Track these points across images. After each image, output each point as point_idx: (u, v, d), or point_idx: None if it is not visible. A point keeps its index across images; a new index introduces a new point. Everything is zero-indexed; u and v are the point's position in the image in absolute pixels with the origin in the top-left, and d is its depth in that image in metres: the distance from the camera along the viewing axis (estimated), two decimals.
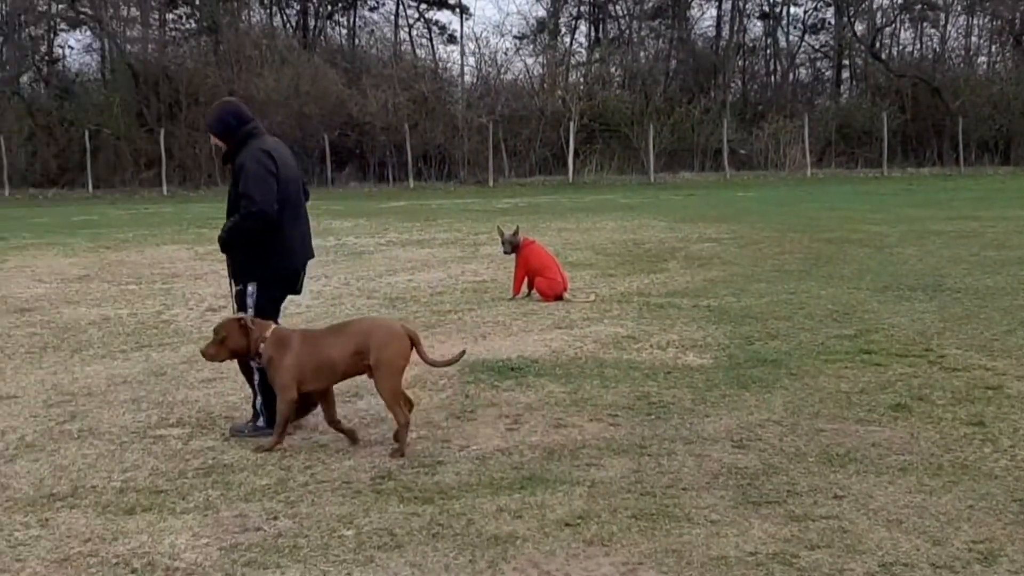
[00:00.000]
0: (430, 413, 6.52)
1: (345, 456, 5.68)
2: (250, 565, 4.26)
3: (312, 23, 51.25)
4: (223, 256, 6.49)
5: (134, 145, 41.50)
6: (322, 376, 5.81)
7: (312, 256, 6.67)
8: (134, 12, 47.31)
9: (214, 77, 41.87)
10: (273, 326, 5.97)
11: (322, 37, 50.89)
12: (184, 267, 14.62)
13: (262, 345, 5.85)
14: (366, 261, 14.92)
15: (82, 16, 47.38)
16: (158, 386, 7.46)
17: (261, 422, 6.23)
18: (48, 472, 5.54)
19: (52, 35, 48.88)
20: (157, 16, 47.84)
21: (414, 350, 5.85)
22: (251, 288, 6.27)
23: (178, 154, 40.47)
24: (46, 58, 48.44)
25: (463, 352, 6.23)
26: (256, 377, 6.24)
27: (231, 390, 7.25)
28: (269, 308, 6.31)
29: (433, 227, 20.53)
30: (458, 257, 15.13)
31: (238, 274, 6.35)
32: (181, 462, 5.67)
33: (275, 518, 4.77)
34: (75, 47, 62.75)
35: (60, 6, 47.60)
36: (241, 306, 6.27)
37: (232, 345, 5.92)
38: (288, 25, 51.03)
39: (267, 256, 6.22)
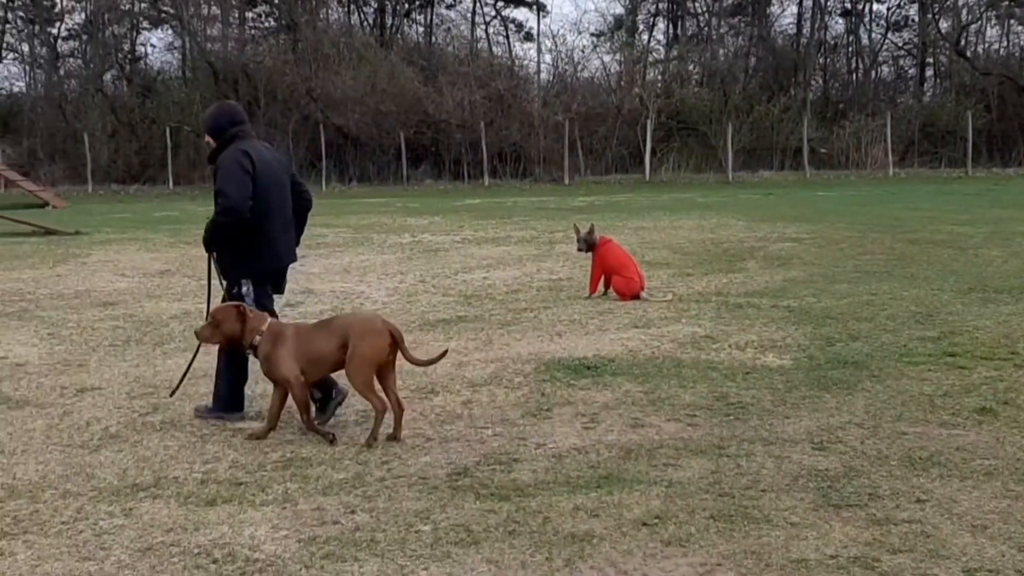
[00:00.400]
0: (506, 411, 6.52)
1: (421, 452, 5.70)
2: (328, 558, 4.29)
3: (389, 21, 51.61)
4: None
5: None
6: (315, 369, 6.03)
7: (295, 260, 6.81)
8: (214, 11, 48.03)
9: (292, 75, 42.33)
10: (269, 320, 6.16)
11: (399, 35, 51.21)
12: None
13: (257, 338, 6.05)
14: (441, 258, 14.98)
15: (163, 15, 48.31)
16: None
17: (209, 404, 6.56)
18: (132, 463, 5.64)
19: (135, 34, 49.90)
20: (237, 14, 48.56)
21: (397, 349, 6.00)
22: (247, 288, 6.44)
23: None
24: (128, 56, 49.40)
25: (445, 352, 6.39)
26: (219, 365, 6.51)
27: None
28: (266, 305, 6.49)
29: (508, 225, 20.55)
30: (534, 255, 15.13)
31: (231, 275, 6.48)
32: (260, 455, 5.73)
33: (352, 512, 4.80)
34: (157, 45, 64.42)
35: (142, 5, 48.64)
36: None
37: (226, 330, 6.09)
38: (365, 23, 51.43)
39: (256, 254, 6.39)
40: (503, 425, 6.20)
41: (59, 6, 49.21)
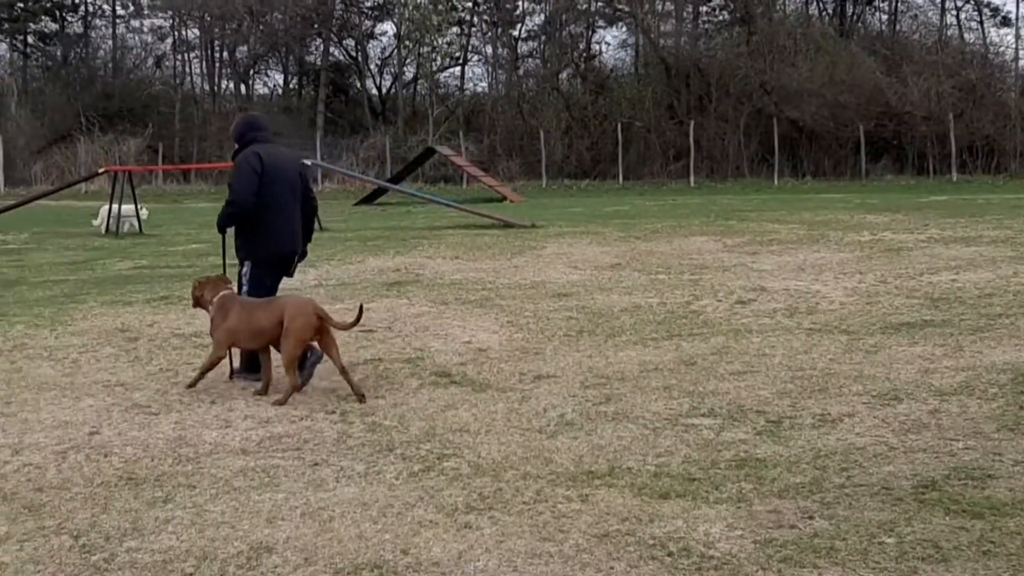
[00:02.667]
0: (978, 422, 6.02)
1: (884, 461, 5.37)
2: (785, 562, 4.13)
3: (850, 10, 49.98)
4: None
5: (663, 137, 42.77)
6: (255, 339, 7.02)
7: (298, 249, 7.85)
8: (668, 7, 48.67)
9: (745, 68, 42.11)
10: (222, 292, 7.19)
11: (860, 24, 49.46)
12: (712, 259, 14.72)
13: (210, 307, 7.16)
14: (904, 258, 14.19)
15: (619, 13, 49.59)
16: (688, 375, 7.50)
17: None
18: (586, 450, 5.75)
19: (590, 32, 51.55)
20: (690, 9, 48.93)
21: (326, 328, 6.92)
22: (246, 268, 7.63)
23: (706, 145, 41.19)
24: (583, 55, 51.15)
25: (360, 307, 7.29)
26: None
27: (763, 383, 7.15)
28: (264, 284, 7.60)
29: (980, 224, 19.11)
30: (1009, 257, 13.92)
31: (239, 255, 7.69)
32: (713, 452, 5.65)
33: (810, 517, 4.60)
34: (611, 43, 65.98)
35: (599, 4, 50.12)
36: (239, 282, 7.63)
37: (194, 300, 7.42)
38: (824, 12, 50.16)
39: (254, 241, 7.57)
40: (975, 438, 5.72)
41: (520, 8, 51.95)
